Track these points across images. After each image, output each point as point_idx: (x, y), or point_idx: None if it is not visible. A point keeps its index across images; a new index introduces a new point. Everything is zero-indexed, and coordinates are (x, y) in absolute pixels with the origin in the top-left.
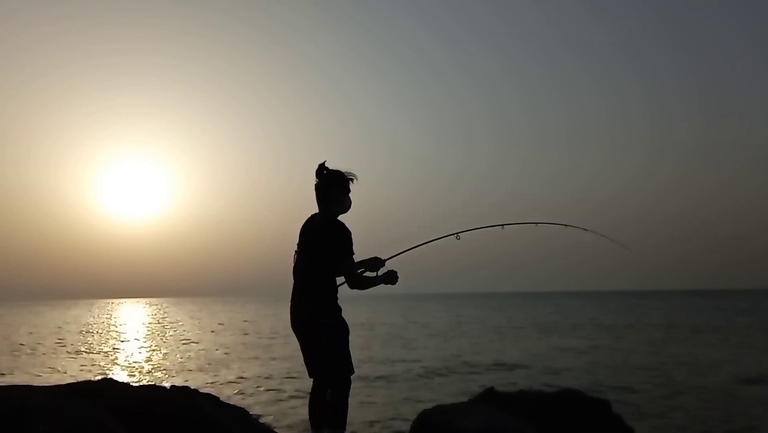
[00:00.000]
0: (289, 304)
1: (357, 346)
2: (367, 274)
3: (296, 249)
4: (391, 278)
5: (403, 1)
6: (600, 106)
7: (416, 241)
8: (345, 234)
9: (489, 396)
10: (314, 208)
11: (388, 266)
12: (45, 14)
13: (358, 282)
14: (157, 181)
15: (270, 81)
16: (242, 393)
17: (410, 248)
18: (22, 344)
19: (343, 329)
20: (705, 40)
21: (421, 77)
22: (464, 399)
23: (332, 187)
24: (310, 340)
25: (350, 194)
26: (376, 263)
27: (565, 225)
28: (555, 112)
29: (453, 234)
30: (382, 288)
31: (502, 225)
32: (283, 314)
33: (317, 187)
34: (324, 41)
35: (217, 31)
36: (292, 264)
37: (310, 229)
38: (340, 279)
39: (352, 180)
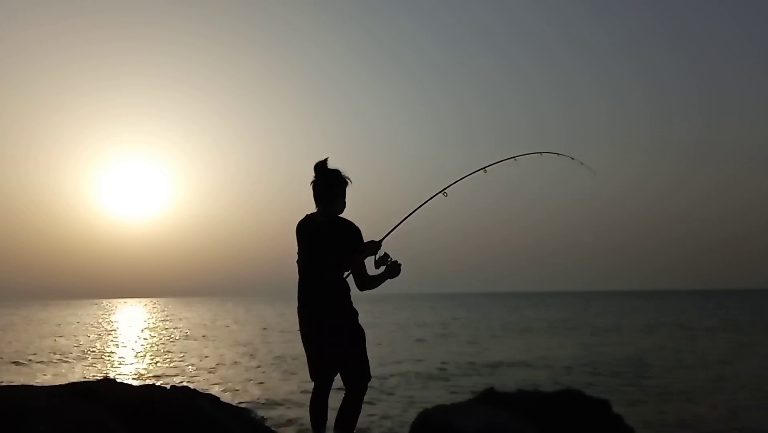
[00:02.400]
0: (297, 305)
1: None
2: (377, 272)
3: (299, 251)
4: (394, 270)
5: (403, 1)
6: (600, 106)
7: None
8: (357, 232)
9: (489, 396)
10: (313, 208)
11: (384, 245)
12: (45, 14)
13: (368, 282)
14: (157, 181)
15: (270, 81)
16: (242, 392)
17: (400, 221)
18: (22, 344)
19: (362, 334)
20: (705, 40)
21: (421, 77)
22: (464, 399)
23: (335, 185)
24: (326, 344)
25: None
26: (373, 246)
27: (541, 153)
28: (555, 112)
29: (440, 192)
30: (385, 285)
31: (485, 169)
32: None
33: (319, 184)
34: (324, 41)
35: (217, 31)
36: (297, 266)
37: (312, 228)
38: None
39: (348, 182)
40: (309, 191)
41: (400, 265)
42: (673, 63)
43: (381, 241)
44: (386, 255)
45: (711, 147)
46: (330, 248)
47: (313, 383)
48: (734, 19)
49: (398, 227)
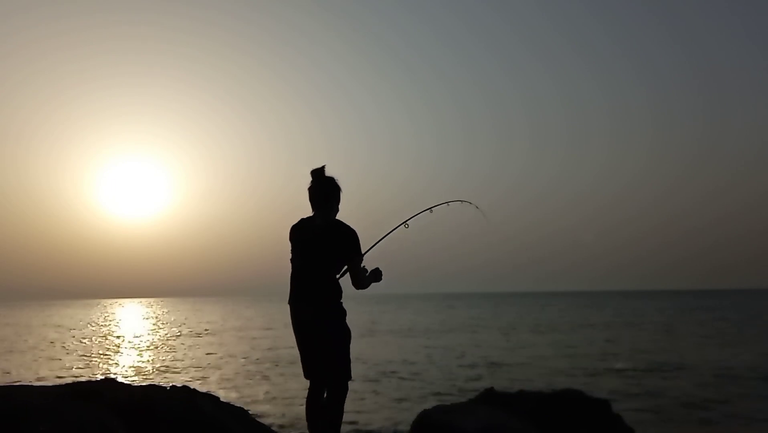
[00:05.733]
0: (289, 305)
1: (356, 347)
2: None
3: (294, 252)
4: (378, 276)
5: (404, 1)
6: (602, 107)
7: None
8: (355, 234)
9: (489, 396)
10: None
11: (366, 258)
12: (45, 14)
13: (363, 282)
14: (158, 181)
15: (271, 81)
16: (242, 392)
17: (377, 241)
18: (22, 344)
19: (348, 334)
20: (708, 41)
21: (422, 77)
22: (464, 399)
23: (332, 192)
24: (314, 341)
25: None
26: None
27: (448, 203)
28: (556, 112)
29: (402, 223)
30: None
31: (406, 223)
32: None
33: (318, 190)
34: (325, 41)
35: (218, 31)
36: (291, 265)
37: (311, 231)
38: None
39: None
40: (307, 191)
41: (381, 271)
42: (674, 63)
43: (363, 255)
44: (364, 268)
45: (714, 147)
46: (328, 250)
47: (308, 382)
48: (738, 19)
49: (376, 245)
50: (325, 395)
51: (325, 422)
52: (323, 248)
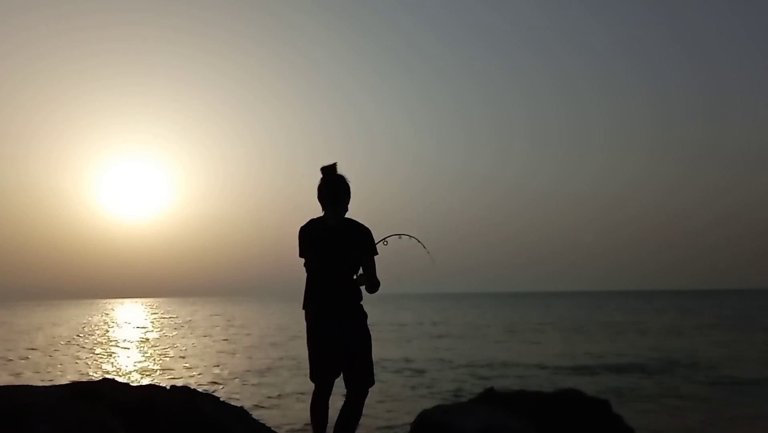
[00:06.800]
0: (306, 306)
1: None
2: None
3: (308, 255)
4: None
5: (404, 2)
6: (602, 107)
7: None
8: (370, 233)
9: (489, 396)
10: (318, 209)
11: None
12: (45, 14)
13: (376, 284)
14: (158, 181)
15: (271, 81)
16: (242, 392)
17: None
18: (23, 345)
19: (370, 336)
20: (708, 41)
21: (422, 77)
22: (464, 399)
23: (343, 189)
24: (333, 345)
25: None
26: None
27: (399, 236)
28: (556, 113)
29: (381, 240)
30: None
31: (385, 241)
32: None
33: (329, 188)
34: (325, 41)
35: (218, 31)
36: (306, 268)
37: (323, 232)
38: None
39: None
40: (308, 191)
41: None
42: (674, 63)
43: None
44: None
45: (714, 148)
46: (345, 250)
47: (313, 385)
48: (738, 20)
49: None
50: (345, 398)
51: (343, 424)
52: (338, 248)
